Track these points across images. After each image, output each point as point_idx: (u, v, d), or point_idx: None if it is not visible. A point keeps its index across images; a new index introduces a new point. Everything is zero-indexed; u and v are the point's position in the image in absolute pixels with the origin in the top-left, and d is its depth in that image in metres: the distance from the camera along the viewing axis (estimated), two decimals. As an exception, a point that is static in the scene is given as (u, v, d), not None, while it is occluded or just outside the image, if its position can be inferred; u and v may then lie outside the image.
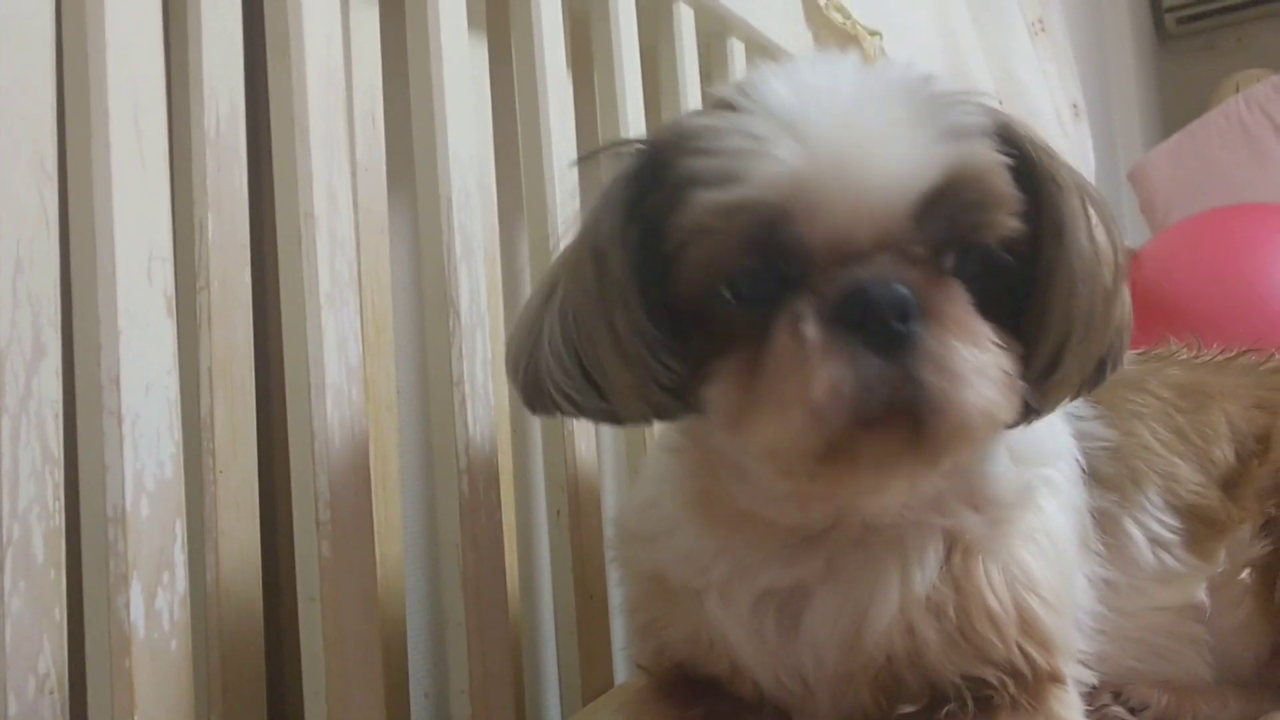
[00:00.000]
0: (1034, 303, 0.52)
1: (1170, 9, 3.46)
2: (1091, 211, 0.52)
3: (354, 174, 0.70)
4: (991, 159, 0.49)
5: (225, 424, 0.62)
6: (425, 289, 0.75)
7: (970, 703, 0.56)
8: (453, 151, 0.75)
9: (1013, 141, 0.51)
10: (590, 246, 0.52)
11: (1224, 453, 0.68)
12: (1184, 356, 0.77)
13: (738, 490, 0.57)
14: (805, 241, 0.48)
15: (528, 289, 0.97)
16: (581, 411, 0.54)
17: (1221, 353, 0.78)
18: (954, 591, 0.56)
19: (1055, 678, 0.57)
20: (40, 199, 0.53)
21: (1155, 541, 0.66)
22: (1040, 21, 2.20)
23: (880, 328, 0.46)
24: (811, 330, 0.47)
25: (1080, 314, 0.51)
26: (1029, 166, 0.51)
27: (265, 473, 0.66)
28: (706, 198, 0.48)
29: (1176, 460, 0.67)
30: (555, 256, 0.58)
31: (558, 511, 0.82)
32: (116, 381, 0.53)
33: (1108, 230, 0.53)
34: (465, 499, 0.72)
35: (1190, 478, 0.67)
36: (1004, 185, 0.50)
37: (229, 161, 0.64)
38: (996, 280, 0.50)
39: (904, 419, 0.47)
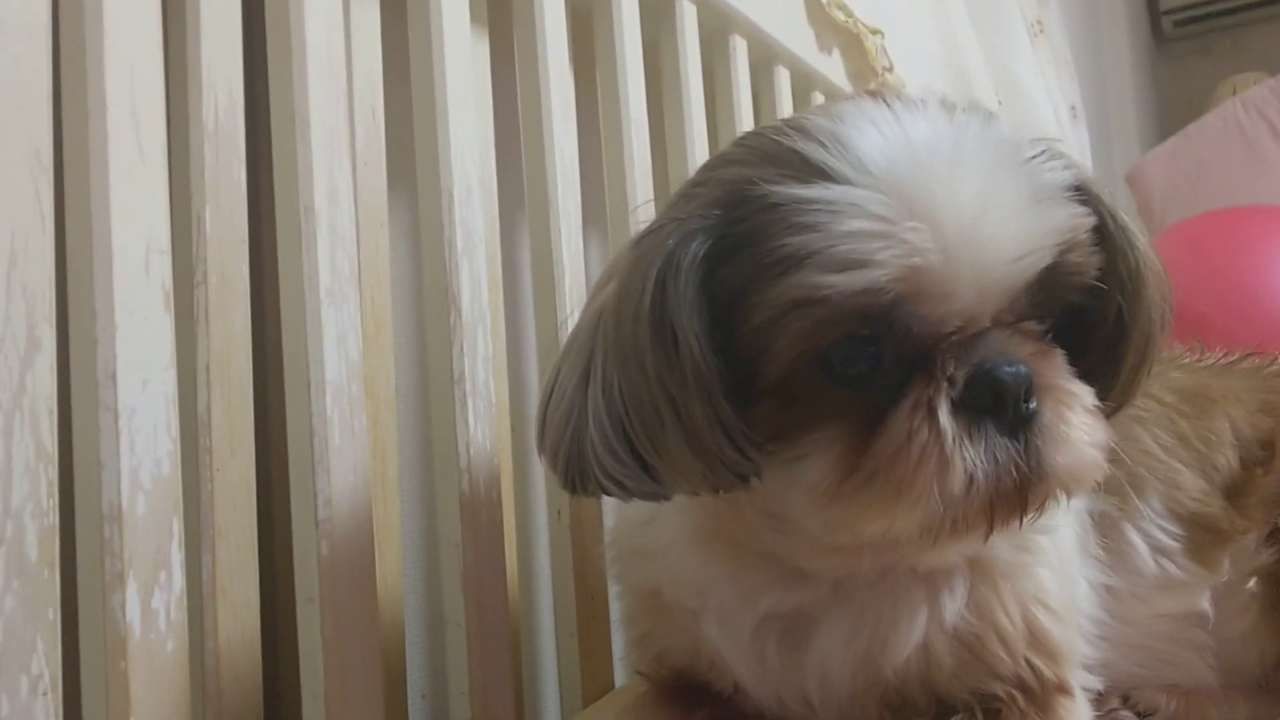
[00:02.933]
0: (1103, 348, 0.53)
1: (1167, 12, 3.46)
2: (1155, 262, 0.53)
3: (354, 168, 0.69)
4: (1088, 225, 0.50)
5: (223, 421, 0.61)
6: (426, 285, 0.74)
7: (979, 716, 0.55)
8: (455, 145, 0.74)
9: (1088, 194, 0.51)
10: (651, 326, 0.47)
11: (1227, 459, 0.68)
12: (1186, 360, 0.76)
13: (770, 539, 0.55)
14: (923, 320, 0.47)
15: (528, 286, 0.97)
16: (630, 494, 0.51)
17: (1224, 356, 0.77)
18: (976, 618, 0.56)
19: (1063, 688, 0.57)
20: (36, 191, 0.52)
21: (1157, 549, 0.65)
22: (1039, 23, 2.20)
23: (1010, 410, 0.47)
24: (946, 418, 0.46)
25: (1150, 360, 0.54)
26: (1103, 223, 0.51)
27: (261, 471, 0.65)
28: (824, 280, 0.45)
29: (1179, 466, 0.67)
30: (582, 321, 0.53)
31: (558, 511, 0.82)
32: (113, 377, 0.52)
33: (1163, 278, 0.54)
34: (466, 498, 0.71)
35: (1193, 484, 0.67)
36: (1095, 250, 0.50)
37: (227, 154, 0.63)
38: (1071, 331, 0.51)
39: (1020, 491, 0.47)
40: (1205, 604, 0.66)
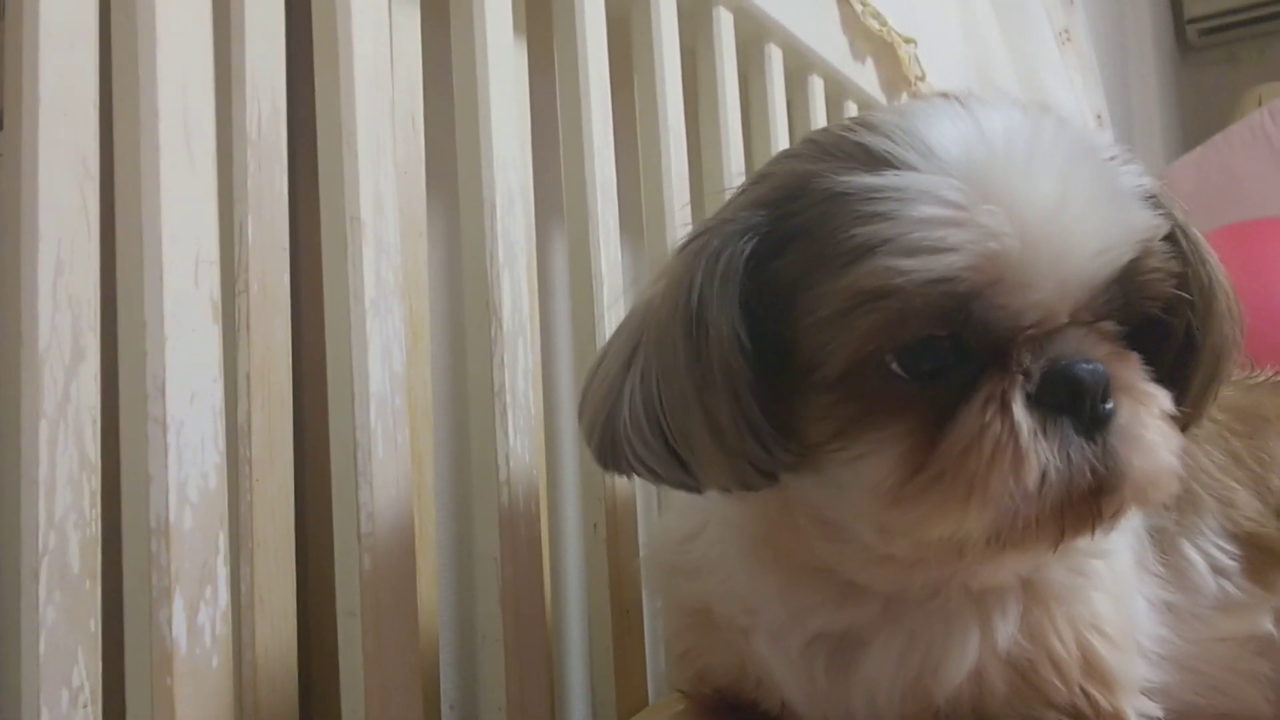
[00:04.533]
0: (1172, 363, 0.51)
1: (1192, 20, 3.43)
2: (1226, 278, 0.52)
3: (395, 177, 0.68)
4: (1165, 229, 0.48)
5: (263, 432, 0.61)
6: (467, 296, 0.73)
7: None
8: (497, 155, 0.73)
9: (1161, 204, 0.50)
10: (686, 322, 0.47)
11: None
12: (1236, 378, 0.75)
13: (822, 548, 0.54)
14: (1000, 315, 0.45)
15: (563, 297, 0.96)
16: (661, 481, 0.51)
17: (1276, 374, 0.76)
18: (1030, 642, 0.54)
19: (1118, 718, 0.56)
20: (82, 199, 0.52)
21: (1215, 568, 0.64)
22: (1066, 31, 2.18)
23: (1088, 409, 0.45)
24: (1021, 412, 0.45)
25: (1221, 377, 0.52)
26: (1176, 234, 0.50)
27: (297, 483, 0.65)
28: (897, 266, 0.44)
29: (1234, 485, 0.66)
30: (633, 309, 0.53)
31: (594, 525, 0.81)
32: (162, 389, 0.52)
33: (1232, 295, 0.53)
34: (505, 511, 0.70)
35: (1248, 504, 0.65)
36: (1171, 257, 0.49)
37: (270, 163, 0.62)
38: (1141, 345, 0.50)
39: (1091, 495, 0.46)
40: (1269, 625, 0.64)
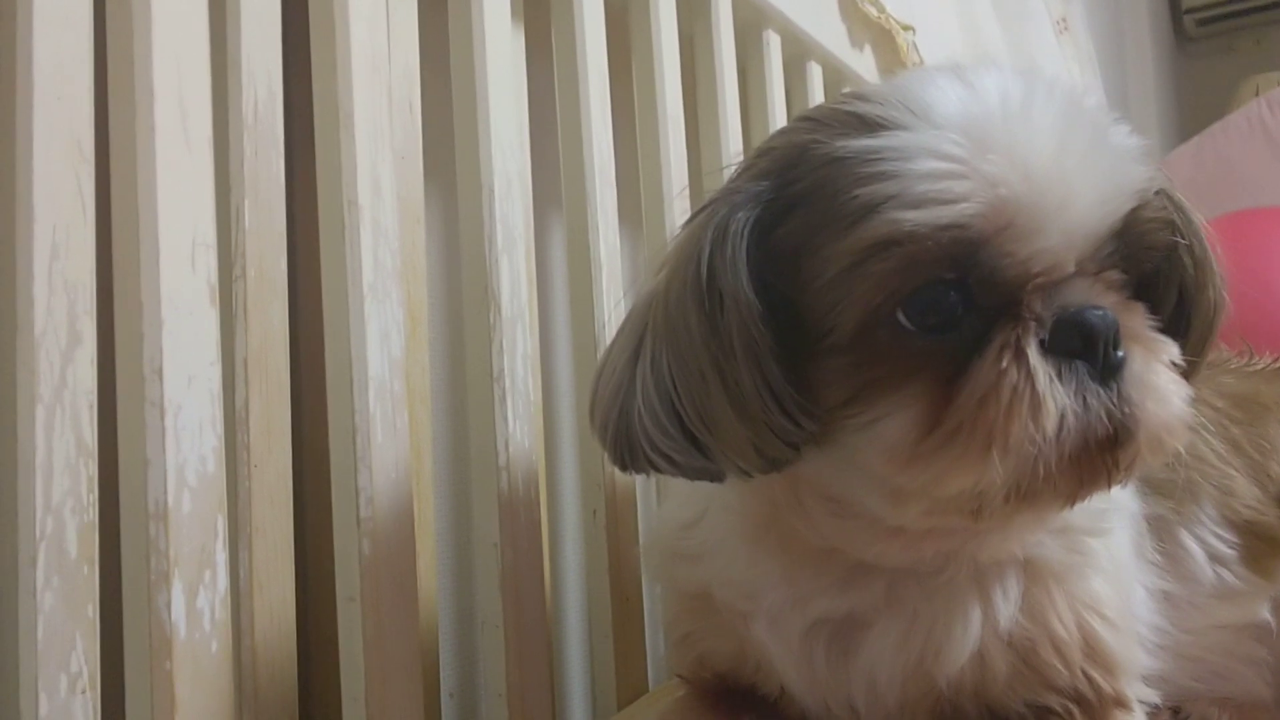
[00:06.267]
0: (1171, 316, 0.52)
1: (1190, 10, 3.42)
2: (1213, 237, 0.53)
3: (392, 162, 0.68)
4: (1161, 182, 0.49)
5: (260, 417, 0.60)
6: (465, 281, 0.73)
7: None
8: (495, 140, 0.73)
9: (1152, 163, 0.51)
10: (699, 296, 0.47)
11: None
12: (1235, 365, 0.75)
13: (829, 527, 0.54)
14: (1008, 265, 0.45)
15: (561, 284, 0.96)
16: (681, 471, 0.50)
17: (1275, 360, 0.76)
18: (1031, 623, 0.54)
19: (1120, 702, 0.56)
20: (77, 182, 0.51)
21: (1213, 556, 0.64)
22: (1063, 20, 2.18)
23: (1101, 356, 0.45)
24: (1036, 358, 0.45)
25: (1214, 332, 0.53)
26: (1165, 195, 0.51)
27: (295, 469, 0.64)
28: (906, 217, 0.44)
29: (1232, 473, 0.66)
30: (636, 303, 0.53)
31: (594, 511, 0.81)
32: (159, 372, 0.51)
33: (1219, 255, 0.53)
34: (504, 497, 0.70)
35: (1247, 492, 0.65)
36: (1166, 209, 0.49)
37: (267, 147, 0.62)
38: (1143, 297, 0.50)
39: (1107, 444, 0.46)
40: (1266, 614, 0.64)
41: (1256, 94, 2.71)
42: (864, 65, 1.25)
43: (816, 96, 1.17)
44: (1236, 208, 2.01)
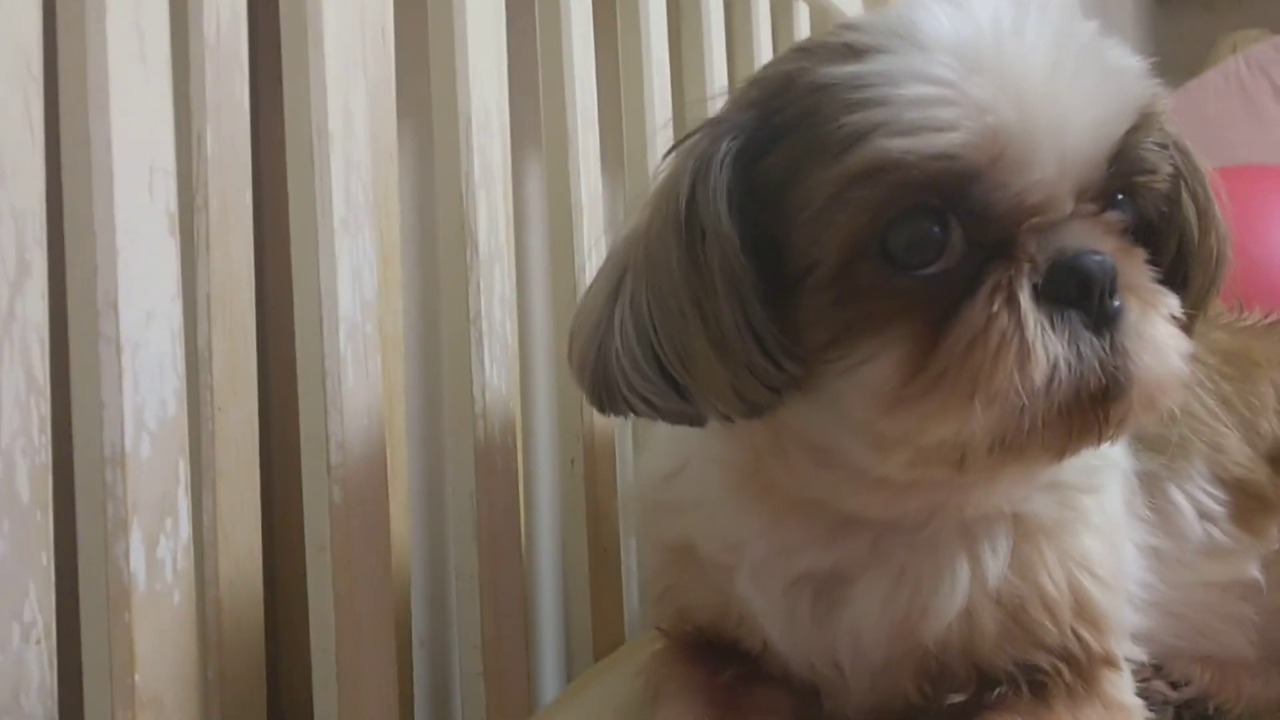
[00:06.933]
0: (1171, 264, 0.50)
1: (1169, -35, 3.41)
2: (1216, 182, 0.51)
3: (365, 90, 0.64)
4: (1163, 100, 0.47)
5: (224, 357, 0.57)
6: (441, 218, 0.70)
7: (1024, 687, 0.53)
8: (473, 67, 0.69)
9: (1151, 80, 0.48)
10: (679, 230, 0.46)
11: (1271, 426, 0.66)
12: (1225, 320, 0.73)
13: (813, 477, 0.52)
14: (1001, 199, 0.43)
15: (537, 226, 0.92)
16: (660, 414, 0.49)
17: (1266, 317, 0.75)
18: (1021, 580, 0.53)
19: (1109, 660, 0.55)
20: (25, 102, 0.47)
21: (1202, 513, 0.63)
22: (1047, -31, 2.15)
23: (1097, 303, 0.43)
24: (1028, 303, 0.42)
25: (1218, 281, 0.51)
26: (1167, 140, 0.49)
27: (261, 412, 0.61)
28: (893, 145, 0.42)
29: (1224, 430, 0.65)
30: (616, 242, 0.51)
31: (571, 460, 0.78)
32: (114, 306, 0.48)
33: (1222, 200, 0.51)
34: (480, 445, 0.68)
35: (1238, 450, 0.64)
36: (1166, 138, 0.47)
37: (230, 71, 0.58)
38: (1144, 243, 0.48)
39: (1099, 397, 0.44)
40: (1254, 571, 0.63)
41: (1234, 51, 2.71)
42: (851, 6, 1.21)
43: (803, 36, 1.14)
44: (1213, 165, 2.01)
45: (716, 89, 0.97)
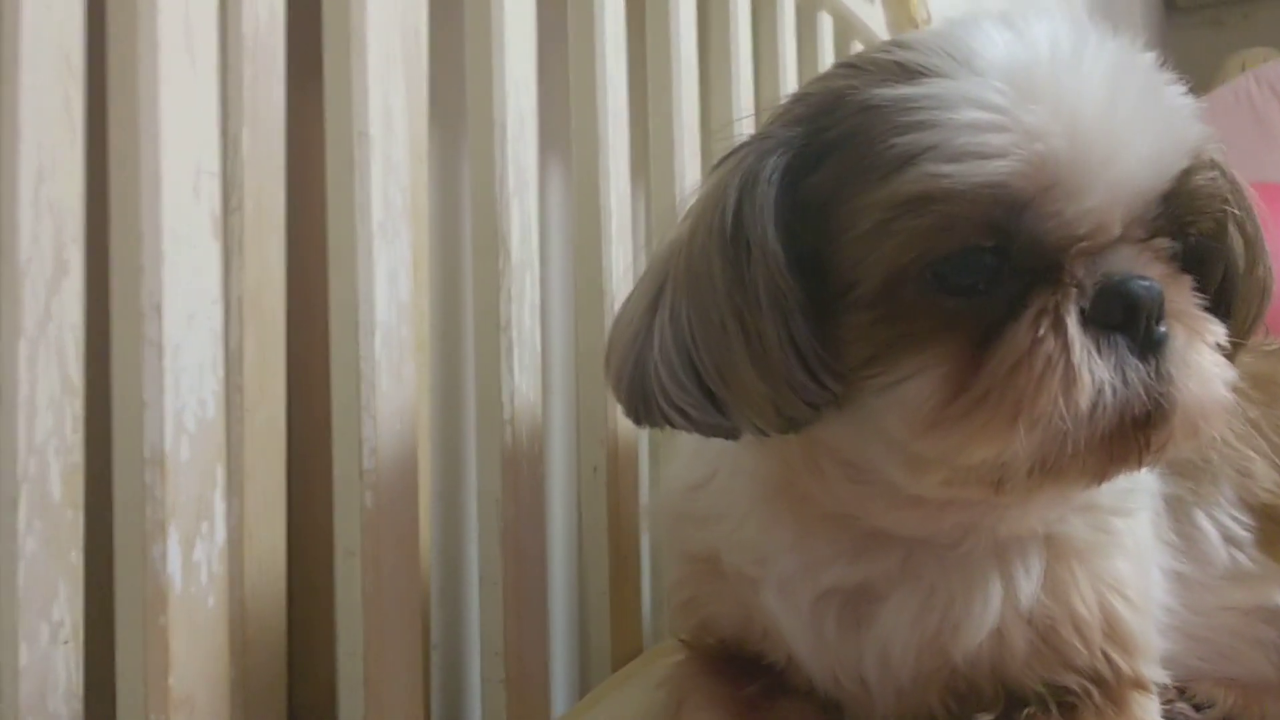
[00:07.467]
0: (1218, 292, 0.49)
1: (1179, -18, 3.41)
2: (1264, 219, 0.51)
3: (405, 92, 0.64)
4: (1215, 145, 0.46)
5: (255, 359, 0.57)
6: (474, 224, 0.70)
7: (1054, 709, 0.53)
8: (509, 75, 0.69)
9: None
10: (723, 244, 0.45)
11: None
12: (1253, 344, 0.73)
13: (846, 492, 0.52)
14: (1052, 225, 0.43)
15: (559, 232, 0.92)
16: (695, 426, 0.48)
17: (1288, 341, 0.75)
18: (1053, 601, 0.53)
19: (1138, 683, 0.55)
20: (65, 99, 0.47)
21: (1228, 538, 0.63)
22: (1061, -16, 2.15)
23: (1144, 329, 0.43)
24: (1075, 327, 0.42)
25: (1265, 309, 0.51)
26: (1219, 166, 0.48)
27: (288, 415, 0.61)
28: (942, 171, 0.41)
29: (1251, 455, 0.65)
30: (658, 252, 0.51)
31: (594, 468, 0.78)
32: (158, 309, 0.48)
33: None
34: (508, 450, 0.67)
35: (1265, 475, 0.64)
36: (1220, 176, 0.47)
37: (267, 72, 0.58)
38: (1190, 271, 0.48)
39: (1141, 423, 0.43)
40: (1278, 598, 0.63)
41: (1243, 69, 2.71)
42: (874, 18, 1.22)
43: (826, 47, 1.15)
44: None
45: (742, 96, 0.97)
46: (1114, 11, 2.93)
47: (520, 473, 0.69)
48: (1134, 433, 0.44)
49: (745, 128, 0.52)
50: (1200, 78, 2.91)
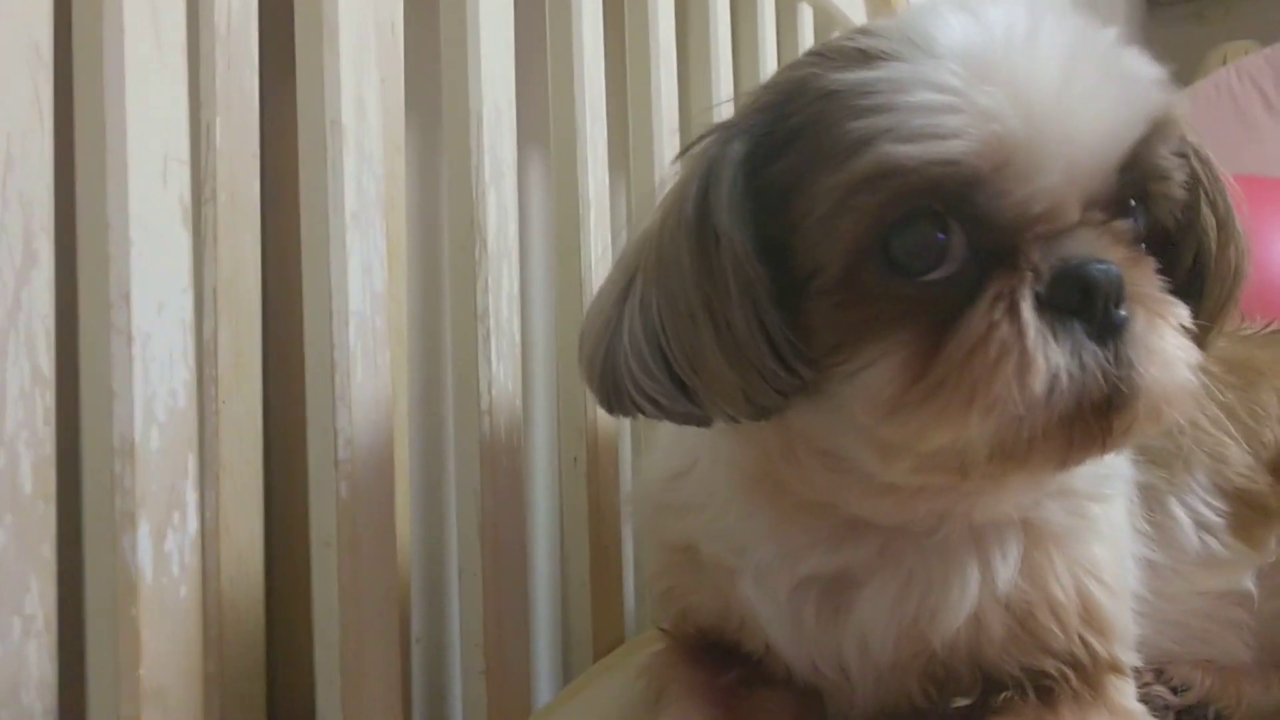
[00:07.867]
0: (1188, 275, 0.49)
1: (1161, -25, 3.42)
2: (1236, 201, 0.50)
3: (378, 82, 0.64)
4: (1179, 109, 0.46)
5: (230, 350, 0.57)
6: (450, 215, 0.69)
7: (1031, 693, 0.53)
8: (485, 66, 0.69)
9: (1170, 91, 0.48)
10: (690, 233, 0.45)
11: (1275, 434, 0.66)
12: (1228, 328, 0.74)
13: (822, 481, 0.52)
14: (1005, 207, 0.43)
15: (539, 223, 0.92)
16: (666, 415, 0.48)
17: (1267, 325, 0.75)
18: (1030, 586, 0.53)
19: (1115, 667, 0.55)
20: (34, 89, 0.47)
21: (1201, 524, 0.63)
22: (1044, -23, 2.16)
23: (1100, 313, 0.43)
24: (1029, 312, 0.42)
25: (1236, 293, 0.50)
26: (1187, 150, 0.48)
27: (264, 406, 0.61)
28: (896, 151, 0.41)
29: (1226, 440, 0.65)
30: (628, 244, 0.51)
31: (574, 459, 0.78)
32: (127, 298, 0.47)
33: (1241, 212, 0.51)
34: (486, 441, 0.67)
35: (1239, 460, 0.64)
36: (1183, 148, 0.47)
37: (240, 62, 0.58)
38: (1158, 255, 0.47)
39: (1102, 408, 0.43)
40: (1249, 583, 0.64)
41: (1224, 62, 2.72)
42: (854, 9, 1.21)
43: (807, 39, 1.14)
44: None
45: (721, 87, 0.97)
46: (1095, 4, 2.94)
47: (499, 463, 0.69)
48: (1094, 418, 0.44)
49: (721, 115, 0.52)
50: (1182, 71, 2.92)
